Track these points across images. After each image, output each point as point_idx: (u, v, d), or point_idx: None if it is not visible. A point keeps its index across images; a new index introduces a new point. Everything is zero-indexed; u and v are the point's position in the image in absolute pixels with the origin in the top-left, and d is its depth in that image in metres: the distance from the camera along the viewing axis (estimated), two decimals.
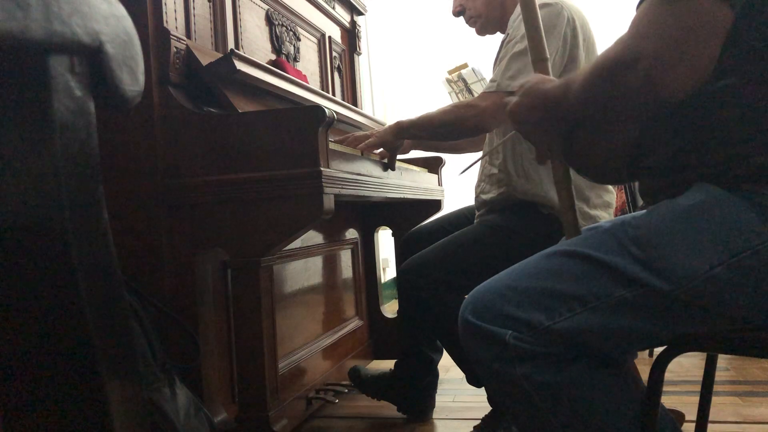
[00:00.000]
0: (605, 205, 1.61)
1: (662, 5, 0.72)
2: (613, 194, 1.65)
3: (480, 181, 1.73)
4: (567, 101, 0.87)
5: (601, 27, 1.65)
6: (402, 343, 1.84)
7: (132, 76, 0.42)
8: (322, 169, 1.25)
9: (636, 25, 0.75)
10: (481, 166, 1.75)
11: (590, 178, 1.07)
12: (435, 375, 1.85)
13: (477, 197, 1.73)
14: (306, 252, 1.82)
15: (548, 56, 1.05)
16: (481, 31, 1.80)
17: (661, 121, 0.84)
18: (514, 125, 1.00)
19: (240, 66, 1.37)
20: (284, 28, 1.88)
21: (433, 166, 2.33)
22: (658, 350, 0.85)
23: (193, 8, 1.42)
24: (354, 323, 2.21)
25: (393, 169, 1.74)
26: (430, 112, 1.68)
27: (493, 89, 1.55)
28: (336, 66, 2.30)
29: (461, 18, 1.82)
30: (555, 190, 1.05)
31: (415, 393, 1.82)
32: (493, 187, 1.65)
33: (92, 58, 0.39)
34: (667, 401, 0.91)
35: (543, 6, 1.51)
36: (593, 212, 1.57)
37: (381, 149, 1.75)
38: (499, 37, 1.80)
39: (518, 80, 1.31)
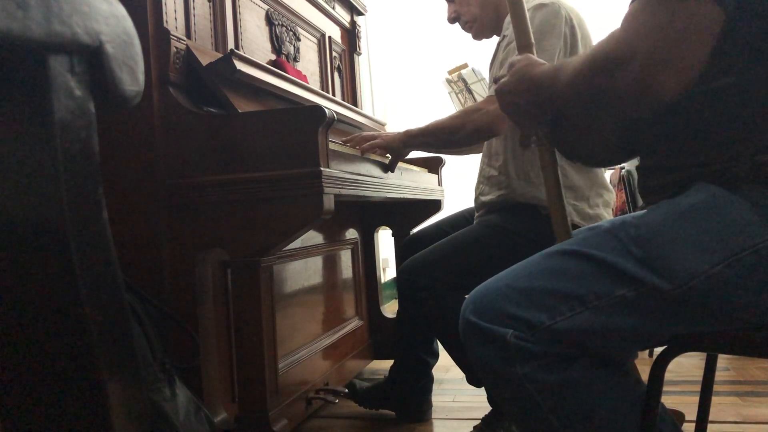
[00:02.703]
0: (605, 204, 1.61)
1: (655, 4, 0.72)
2: (612, 193, 1.65)
3: (479, 182, 1.73)
4: (555, 89, 0.87)
5: (597, 25, 1.65)
6: (398, 345, 1.84)
7: (132, 76, 0.42)
8: (322, 169, 1.25)
9: (628, 22, 0.75)
10: (480, 168, 1.75)
11: (579, 162, 1.07)
12: (430, 379, 1.86)
13: (476, 198, 1.73)
14: (306, 252, 1.82)
15: (533, 41, 1.06)
16: (477, 36, 1.81)
17: (660, 121, 0.84)
18: (501, 106, 0.99)
19: (240, 66, 1.37)
20: (284, 28, 1.88)
21: (433, 166, 2.33)
22: (658, 350, 0.85)
23: (193, 8, 1.42)
24: (354, 323, 2.21)
25: (392, 171, 1.74)
26: (437, 119, 1.68)
27: None
28: (336, 66, 2.30)
29: (457, 25, 1.83)
30: None
31: (411, 396, 1.82)
32: (492, 188, 1.65)
33: (92, 58, 0.39)
34: (667, 401, 0.91)
35: (541, 6, 1.52)
36: (593, 211, 1.57)
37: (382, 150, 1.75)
38: (495, 38, 1.81)
39: None
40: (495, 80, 0.98)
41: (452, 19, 1.81)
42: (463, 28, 1.81)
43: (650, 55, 0.71)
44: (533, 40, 1.06)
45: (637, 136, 0.89)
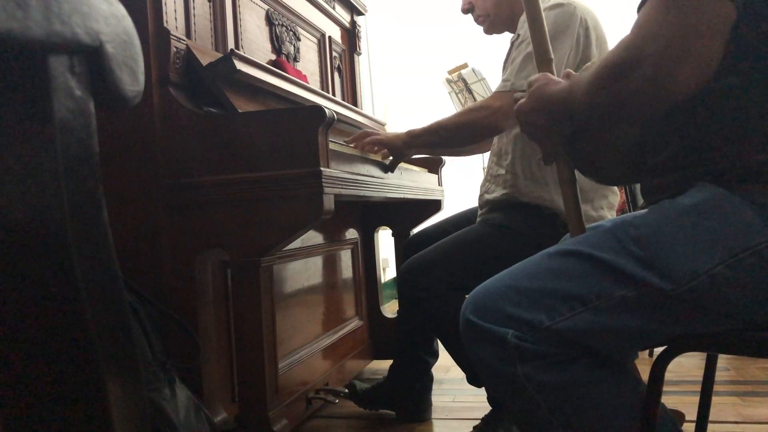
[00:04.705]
0: (609, 206, 1.61)
1: (664, 5, 0.72)
2: (617, 195, 1.65)
3: (485, 180, 1.73)
4: (572, 104, 0.87)
5: (611, 27, 1.65)
6: (398, 346, 1.84)
7: (132, 76, 0.42)
8: (322, 169, 1.25)
9: (638, 26, 0.75)
10: (488, 167, 1.75)
11: (595, 179, 1.07)
12: (429, 378, 1.86)
13: (481, 196, 1.73)
14: (306, 252, 1.82)
15: (552, 57, 1.05)
16: (489, 30, 1.80)
17: (662, 121, 0.84)
18: (520, 126, 1.00)
19: (240, 66, 1.37)
20: (284, 28, 1.88)
21: (433, 166, 2.33)
22: (658, 350, 0.85)
23: (193, 8, 1.42)
24: (354, 323, 2.21)
25: (392, 171, 1.74)
26: (441, 118, 1.67)
27: (507, 89, 1.54)
28: (336, 66, 2.30)
29: (461, 18, 1.82)
30: (560, 194, 1.05)
31: (410, 396, 1.82)
32: (498, 187, 1.65)
33: (92, 58, 0.39)
34: (667, 401, 0.91)
35: (556, 6, 1.51)
36: (597, 213, 1.57)
37: (384, 150, 1.75)
38: (504, 36, 1.80)
39: None
40: (514, 90, 0.97)
41: (466, 10, 1.79)
42: (476, 20, 1.80)
43: (662, 53, 0.71)
44: (552, 56, 1.05)
45: (644, 139, 0.90)
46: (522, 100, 0.97)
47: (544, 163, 1.05)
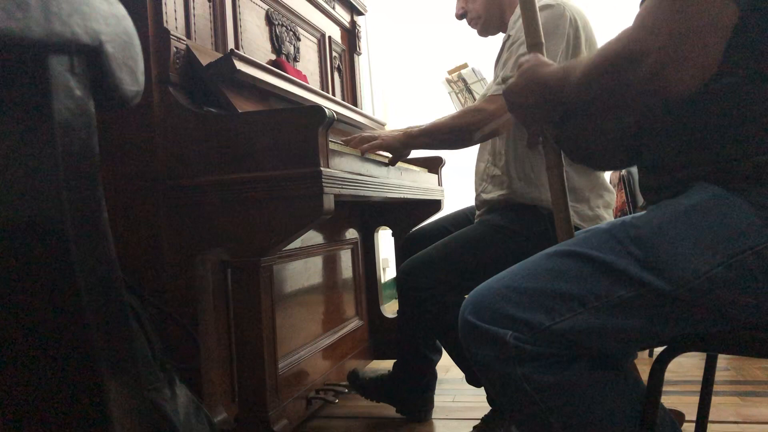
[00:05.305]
0: (606, 205, 1.61)
1: (668, 1, 0.72)
2: (613, 194, 1.65)
3: (482, 180, 1.73)
4: (566, 89, 0.86)
5: (602, 27, 1.65)
6: (400, 344, 1.85)
7: (132, 76, 0.42)
8: (322, 169, 1.25)
9: (641, 19, 0.74)
10: (483, 167, 1.75)
11: (582, 164, 1.07)
12: (433, 375, 1.85)
13: (478, 196, 1.73)
14: (306, 252, 1.82)
15: (543, 41, 1.05)
16: (483, 32, 1.81)
17: (662, 120, 0.84)
18: (508, 107, 0.99)
19: (240, 66, 1.37)
20: (284, 28, 1.88)
21: (433, 166, 2.33)
22: (658, 350, 0.85)
23: (193, 8, 1.42)
24: (354, 323, 2.21)
25: (393, 164, 1.74)
26: (438, 119, 1.68)
27: (500, 92, 1.54)
28: (336, 66, 2.30)
29: (462, 21, 1.83)
30: None
31: (414, 394, 1.82)
32: (495, 187, 1.65)
33: (92, 58, 0.39)
34: (667, 401, 0.91)
35: (545, 7, 1.52)
36: (593, 213, 1.57)
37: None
38: (499, 37, 1.81)
39: None
40: (503, 80, 0.97)
41: (460, 15, 1.81)
42: (470, 24, 1.82)
43: (663, 50, 0.70)
44: (543, 39, 1.05)
45: (641, 135, 0.89)
46: (512, 80, 0.97)
47: (527, 146, 1.05)
